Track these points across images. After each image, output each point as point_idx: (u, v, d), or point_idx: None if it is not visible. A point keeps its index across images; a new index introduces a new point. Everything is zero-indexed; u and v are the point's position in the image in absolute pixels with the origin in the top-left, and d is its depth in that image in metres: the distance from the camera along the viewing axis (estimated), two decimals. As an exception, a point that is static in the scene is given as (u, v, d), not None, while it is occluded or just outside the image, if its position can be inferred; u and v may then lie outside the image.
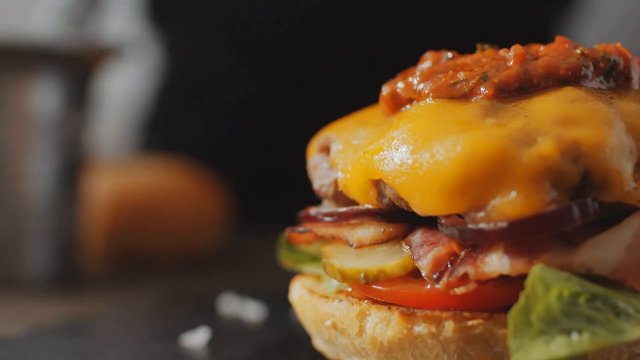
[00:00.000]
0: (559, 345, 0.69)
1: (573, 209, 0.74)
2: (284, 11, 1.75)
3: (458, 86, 0.81)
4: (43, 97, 1.26)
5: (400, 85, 0.85)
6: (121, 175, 1.56)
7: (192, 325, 1.01)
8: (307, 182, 0.96)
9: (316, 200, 0.95)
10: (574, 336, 0.70)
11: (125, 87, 2.08)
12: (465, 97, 0.81)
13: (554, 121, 0.76)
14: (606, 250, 0.74)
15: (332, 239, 0.88)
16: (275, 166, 1.82)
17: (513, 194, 0.74)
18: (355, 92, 1.19)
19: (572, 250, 0.74)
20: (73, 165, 1.30)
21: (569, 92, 0.80)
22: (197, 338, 0.97)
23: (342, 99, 1.29)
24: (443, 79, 0.82)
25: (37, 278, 1.27)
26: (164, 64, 1.95)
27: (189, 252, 1.54)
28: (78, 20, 1.30)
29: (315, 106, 1.70)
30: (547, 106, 0.78)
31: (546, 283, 0.72)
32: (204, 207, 1.57)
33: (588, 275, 0.74)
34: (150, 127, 1.99)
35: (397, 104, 0.85)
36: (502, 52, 0.85)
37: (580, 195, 0.75)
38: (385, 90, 0.86)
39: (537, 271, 0.72)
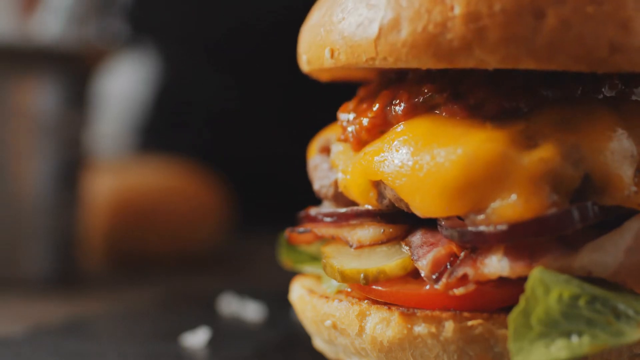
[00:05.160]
0: (559, 348, 0.69)
1: (573, 212, 0.74)
2: (258, 20, 1.76)
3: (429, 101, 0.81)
4: (43, 97, 1.26)
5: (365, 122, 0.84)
6: (121, 175, 1.56)
7: (192, 325, 1.02)
8: (307, 183, 0.96)
9: (316, 201, 0.95)
10: (574, 339, 0.70)
11: (124, 87, 2.08)
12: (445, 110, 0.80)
13: (555, 124, 0.76)
14: (606, 253, 0.74)
15: (332, 240, 0.88)
16: (275, 167, 1.82)
17: (513, 197, 0.74)
18: (352, 92, 1.18)
19: (572, 253, 0.74)
20: (73, 165, 1.30)
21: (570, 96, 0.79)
22: (197, 338, 0.97)
23: (340, 99, 1.29)
24: (404, 104, 0.81)
25: (37, 278, 1.27)
26: (158, 69, 1.95)
27: (189, 252, 1.54)
28: (78, 20, 1.30)
29: (314, 105, 1.70)
30: (548, 108, 0.78)
31: (546, 285, 0.72)
32: (204, 207, 1.57)
33: (588, 278, 0.74)
34: (148, 129, 1.99)
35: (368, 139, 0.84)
36: None
37: (580, 199, 0.75)
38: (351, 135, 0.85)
39: (537, 274, 0.72)
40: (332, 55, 0.82)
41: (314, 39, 0.84)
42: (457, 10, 0.75)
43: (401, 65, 0.77)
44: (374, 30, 0.78)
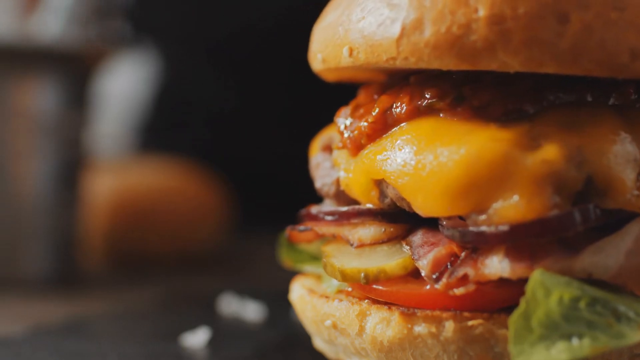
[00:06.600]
0: (560, 350, 0.69)
1: (575, 214, 0.74)
2: (257, 22, 1.76)
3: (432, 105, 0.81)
4: (43, 97, 1.26)
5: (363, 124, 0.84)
6: (121, 175, 1.56)
7: (192, 325, 1.02)
8: (307, 183, 0.95)
9: (316, 201, 0.95)
10: (575, 341, 0.70)
11: (124, 87, 2.08)
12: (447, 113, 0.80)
13: (559, 126, 0.76)
14: (607, 255, 0.74)
15: (333, 238, 0.88)
16: (275, 167, 1.82)
17: (515, 197, 0.74)
18: (353, 92, 1.19)
19: (573, 255, 0.74)
20: (73, 165, 1.30)
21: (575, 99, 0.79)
22: (197, 338, 0.97)
23: (338, 97, 1.29)
24: (406, 106, 0.81)
25: (37, 278, 1.27)
26: (159, 69, 1.95)
27: (189, 252, 1.54)
28: (78, 20, 1.30)
29: (314, 106, 1.70)
30: (552, 111, 0.78)
31: (547, 288, 0.72)
32: (204, 207, 1.57)
33: (588, 280, 0.74)
34: (148, 129, 1.99)
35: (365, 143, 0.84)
36: None
37: (582, 201, 0.75)
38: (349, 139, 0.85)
39: (537, 276, 0.72)
40: (350, 54, 0.81)
41: (332, 38, 0.84)
42: (482, 12, 0.75)
43: (423, 65, 0.77)
44: (396, 29, 0.78)
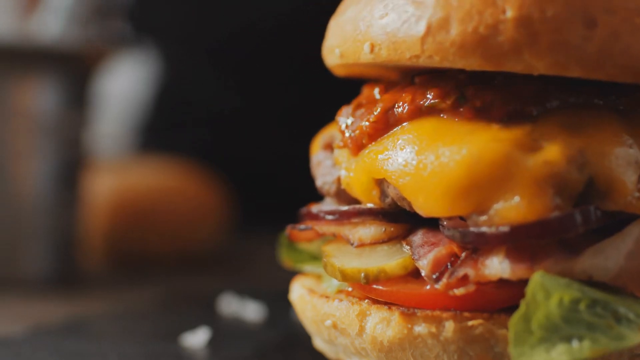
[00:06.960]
0: (560, 352, 0.69)
1: (575, 216, 0.74)
2: (257, 23, 1.76)
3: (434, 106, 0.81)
4: (43, 97, 1.26)
5: (365, 124, 0.84)
6: (121, 175, 1.56)
7: (192, 325, 1.01)
8: (307, 183, 0.95)
9: (317, 201, 0.95)
10: (575, 343, 0.70)
11: (124, 87, 2.08)
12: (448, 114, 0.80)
13: (561, 128, 0.76)
14: (607, 257, 0.74)
15: (333, 238, 0.88)
16: (275, 167, 1.82)
17: (516, 198, 0.74)
18: (349, 89, 1.19)
19: (573, 257, 0.74)
20: (73, 165, 1.30)
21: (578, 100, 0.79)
22: (197, 338, 0.97)
23: (338, 96, 1.29)
24: (408, 106, 0.81)
25: (37, 278, 1.27)
26: (159, 69, 1.95)
27: (189, 252, 1.54)
28: (78, 20, 1.30)
29: (314, 106, 1.70)
30: (554, 113, 0.78)
31: (547, 290, 0.71)
32: (204, 207, 1.57)
33: (589, 281, 0.74)
34: (148, 129, 1.99)
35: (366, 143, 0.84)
36: None
37: (583, 203, 0.75)
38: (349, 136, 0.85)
39: (537, 278, 0.72)
40: (372, 50, 0.81)
41: (352, 33, 0.83)
42: (509, 14, 0.75)
43: (447, 64, 0.77)
44: (421, 27, 0.78)
